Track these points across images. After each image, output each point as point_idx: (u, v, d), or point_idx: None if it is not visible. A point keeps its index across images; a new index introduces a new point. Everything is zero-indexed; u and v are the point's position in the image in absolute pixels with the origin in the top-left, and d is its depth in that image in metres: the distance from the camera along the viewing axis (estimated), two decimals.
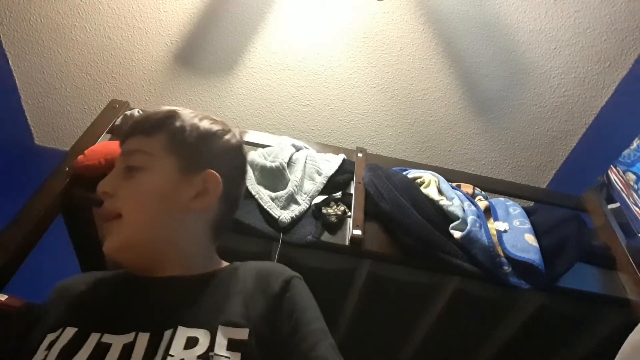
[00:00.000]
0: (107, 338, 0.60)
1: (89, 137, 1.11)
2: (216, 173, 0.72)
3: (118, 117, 1.18)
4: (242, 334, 0.61)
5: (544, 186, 1.90)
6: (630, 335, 0.85)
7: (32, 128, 1.88)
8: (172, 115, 0.75)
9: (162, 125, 0.73)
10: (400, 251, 1.04)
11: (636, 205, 1.20)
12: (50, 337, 0.62)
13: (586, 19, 1.49)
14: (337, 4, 1.54)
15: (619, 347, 0.85)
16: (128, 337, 0.59)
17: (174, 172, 0.70)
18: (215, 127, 0.76)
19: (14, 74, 1.73)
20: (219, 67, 1.69)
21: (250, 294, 0.67)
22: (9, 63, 1.70)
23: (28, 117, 1.85)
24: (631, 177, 1.24)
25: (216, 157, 0.74)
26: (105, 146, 1.04)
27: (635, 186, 1.21)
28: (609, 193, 1.31)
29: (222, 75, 1.71)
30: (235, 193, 0.79)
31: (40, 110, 1.82)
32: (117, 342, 0.59)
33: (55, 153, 1.92)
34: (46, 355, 0.58)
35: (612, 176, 1.31)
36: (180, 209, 0.70)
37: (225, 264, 0.76)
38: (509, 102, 1.71)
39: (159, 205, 0.69)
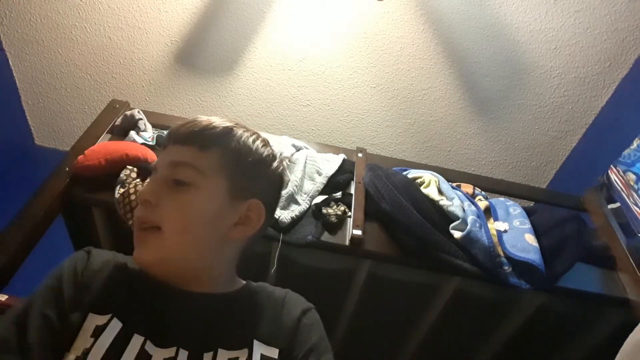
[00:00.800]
0: (149, 347, 0.60)
1: (89, 137, 1.11)
2: (261, 204, 0.71)
3: (118, 117, 1.18)
4: (274, 352, 0.65)
5: (544, 186, 1.90)
6: (631, 335, 0.85)
7: (32, 128, 1.88)
8: (229, 133, 0.70)
9: (218, 142, 0.69)
10: (400, 251, 1.04)
11: (636, 205, 1.20)
12: (95, 319, 0.61)
13: (586, 19, 1.49)
14: (337, 4, 1.54)
15: (619, 347, 0.85)
16: (169, 352, 0.61)
17: (223, 195, 0.67)
18: (265, 152, 0.73)
19: (14, 74, 1.73)
20: (219, 67, 1.69)
21: (273, 317, 0.69)
22: (9, 63, 1.70)
23: (28, 117, 1.85)
24: (631, 177, 1.24)
25: (262, 186, 0.73)
26: (106, 146, 1.04)
27: (636, 186, 1.21)
28: (609, 193, 1.31)
29: (222, 75, 1.71)
30: (270, 221, 0.79)
31: (40, 110, 1.82)
32: (158, 354, 0.60)
33: (55, 153, 1.92)
34: (92, 345, 0.58)
35: (612, 176, 1.31)
36: (221, 234, 0.68)
37: (241, 282, 0.76)
38: (509, 102, 1.71)
39: (201, 227, 0.67)
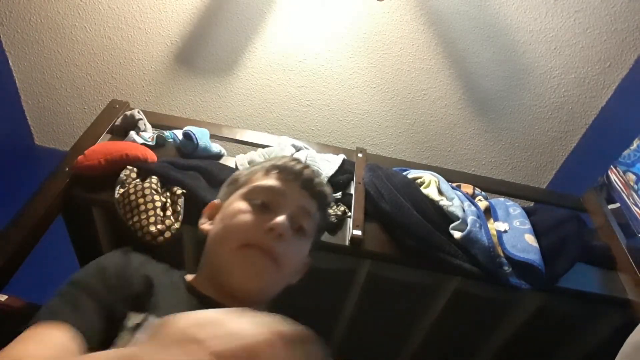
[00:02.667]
0: None
1: (89, 137, 1.11)
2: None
3: (118, 117, 1.18)
4: None
5: (544, 186, 1.90)
6: (631, 336, 0.85)
7: (32, 128, 1.88)
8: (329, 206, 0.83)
9: (325, 210, 0.81)
10: (400, 251, 1.04)
11: (636, 205, 1.20)
12: (133, 318, 0.62)
13: (586, 19, 1.49)
14: (337, 4, 1.54)
15: (619, 348, 0.85)
16: None
17: (309, 250, 0.77)
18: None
19: (14, 74, 1.73)
20: (219, 67, 1.69)
21: None
22: (9, 63, 1.70)
23: (28, 117, 1.85)
24: (631, 177, 1.24)
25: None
26: (105, 146, 1.04)
27: (636, 186, 1.21)
28: (609, 193, 1.31)
29: (222, 75, 1.71)
30: None
31: (40, 110, 1.82)
32: None
33: (55, 153, 1.92)
34: (128, 340, 0.59)
35: (612, 176, 1.31)
36: (289, 280, 0.76)
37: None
38: (509, 102, 1.71)
39: (293, 272, 0.75)
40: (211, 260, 0.73)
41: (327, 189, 0.81)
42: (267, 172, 0.77)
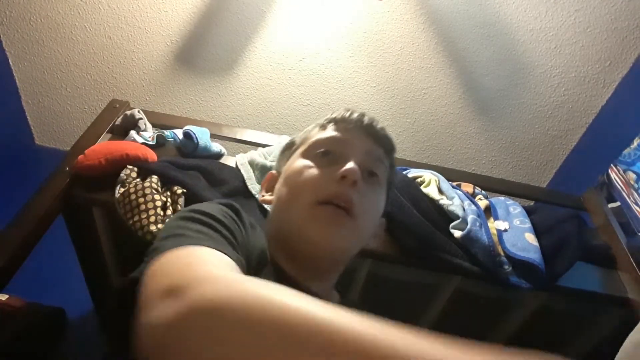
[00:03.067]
0: None
1: (89, 137, 1.11)
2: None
3: (118, 117, 1.18)
4: None
5: (544, 185, 1.90)
6: (631, 334, 0.85)
7: (32, 128, 1.88)
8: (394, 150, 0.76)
9: (392, 157, 0.74)
10: (400, 251, 1.04)
11: (636, 204, 1.20)
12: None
13: (586, 18, 1.49)
14: (337, 3, 1.54)
15: (620, 346, 0.85)
16: None
17: (383, 203, 0.71)
18: None
19: (14, 74, 1.73)
20: (219, 66, 1.69)
21: None
22: (9, 63, 1.70)
23: (28, 117, 1.85)
24: (631, 176, 1.24)
25: None
26: (106, 146, 1.04)
27: (636, 185, 1.21)
28: (609, 192, 1.31)
29: (222, 74, 1.71)
30: None
31: (40, 110, 1.82)
32: None
33: (55, 153, 1.92)
34: None
35: (613, 175, 1.31)
36: (367, 240, 0.70)
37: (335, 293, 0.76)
38: (509, 102, 1.71)
39: (374, 226, 0.69)
40: (279, 229, 0.67)
41: (392, 142, 0.74)
42: (324, 126, 0.71)
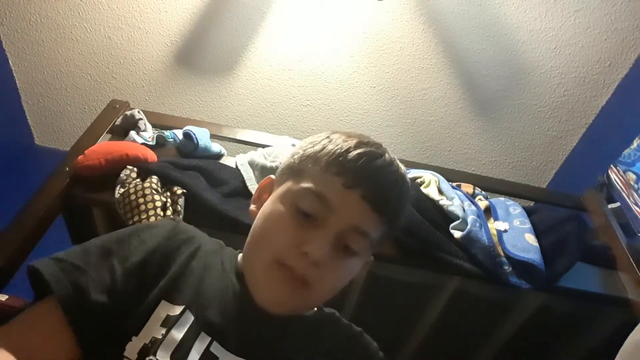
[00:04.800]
0: (216, 349, 0.57)
1: (89, 137, 1.11)
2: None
3: (118, 117, 1.18)
4: None
5: (544, 186, 1.90)
6: (631, 335, 0.85)
7: (32, 128, 1.88)
8: (410, 203, 0.69)
9: (400, 216, 0.65)
10: (400, 251, 1.04)
11: (636, 204, 1.20)
12: (167, 308, 0.58)
13: (586, 18, 1.49)
14: (337, 3, 1.54)
15: (620, 347, 0.85)
16: None
17: (367, 258, 0.66)
18: None
19: (14, 74, 1.73)
20: (219, 67, 1.69)
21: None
22: (9, 63, 1.70)
23: (28, 117, 1.85)
24: (631, 176, 1.24)
25: None
26: (106, 146, 1.04)
27: (636, 186, 1.21)
28: (609, 193, 1.31)
29: (222, 75, 1.71)
30: None
31: (40, 110, 1.82)
32: (226, 359, 0.57)
33: (55, 153, 1.92)
34: (164, 336, 0.55)
35: (613, 176, 1.31)
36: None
37: None
38: (509, 102, 1.71)
39: (333, 293, 0.64)
40: (245, 259, 0.66)
41: (402, 199, 0.63)
42: (325, 167, 0.60)
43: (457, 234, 1.04)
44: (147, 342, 0.55)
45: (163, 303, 0.58)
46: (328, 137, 0.64)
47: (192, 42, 1.64)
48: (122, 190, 0.96)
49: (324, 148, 0.62)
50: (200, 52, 1.66)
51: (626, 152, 1.27)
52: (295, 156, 0.65)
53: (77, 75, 1.73)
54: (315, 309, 0.71)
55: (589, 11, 1.48)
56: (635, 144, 1.25)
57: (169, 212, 0.93)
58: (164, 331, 0.55)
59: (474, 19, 1.53)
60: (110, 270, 0.58)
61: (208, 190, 0.99)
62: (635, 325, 0.86)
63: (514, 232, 1.09)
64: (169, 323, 0.56)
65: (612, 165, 1.31)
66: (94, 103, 1.79)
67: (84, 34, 1.63)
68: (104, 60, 1.69)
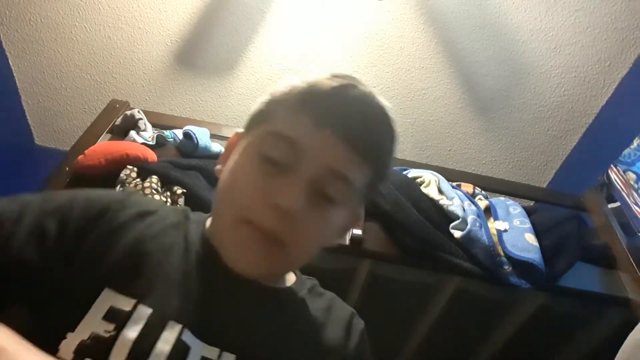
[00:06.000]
0: (188, 338, 0.49)
1: (89, 137, 1.11)
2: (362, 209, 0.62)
3: (118, 117, 1.18)
4: None
5: (544, 185, 1.90)
6: (631, 335, 0.85)
7: (32, 128, 1.88)
8: (395, 145, 0.57)
9: (384, 158, 0.56)
10: (400, 251, 1.04)
11: (636, 204, 1.20)
12: (111, 298, 0.49)
13: (586, 18, 1.49)
14: (337, 3, 1.53)
15: (620, 346, 0.85)
16: (211, 352, 0.50)
17: (352, 211, 0.57)
18: None
19: (14, 74, 1.73)
20: (219, 66, 1.69)
21: (336, 335, 0.61)
22: (9, 63, 1.70)
23: (28, 117, 1.85)
24: (631, 176, 1.24)
25: None
26: (106, 146, 1.04)
27: (636, 185, 1.21)
28: (609, 192, 1.31)
29: (222, 74, 1.71)
30: None
31: (40, 110, 1.82)
32: (198, 348, 0.50)
33: (55, 153, 1.92)
34: (112, 337, 0.46)
35: (613, 175, 1.31)
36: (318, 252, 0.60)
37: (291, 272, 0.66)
38: (509, 102, 1.71)
39: (323, 245, 0.57)
40: (212, 223, 0.59)
41: (385, 134, 0.54)
42: (292, 106, 0.52)
43: (457, 233, 1.04)
44: (85, 339, 0.46)
45: (107, 292, 0.49)
46: (300, 77, 0.56)
47: (192, 42, 1.64)
48: (122, 190, 0.96)
49: (292, 87, 0.54)
50: (200, 52, 1.66)
51: (626, 152, 1.27)
52: (263, 102, 0.57)
53: (77, 75, 1.73)
54: (294, 280, 0.64)
55: (589, 11, 1.48)
56: (635, 143, 1.25)
57: None
58: (110, 328, 0.47)
59: (474, 18, 1.53)
60: (40, 229, 0.50)
61: (208, 190, 0.99)
62: (635, 325, 0.86)
63: (514, 231, 1.09)
64: (117, 319, 0.48)
65: (612, 165, 1.31)
66: (94, 103, 1.79)
67: (84, 34, 1.63)
68: (104, 60, 1.69)
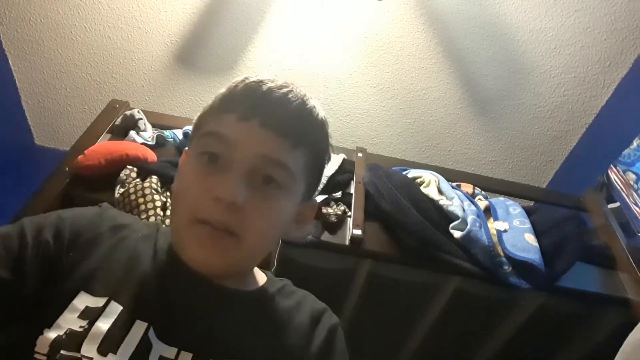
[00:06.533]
0: (151, 335, 0.53)
1: (89, 137, 1.11)
2: (317, 202, 0.65)
3: (118, 117, 1.18)
4: None
5: (544, 186, 1.90)
6: (630, 335, 0.85)
7: (32, 128, 1.88)
8: (323, 126, 0.60)
9: (313, 140, 0.58)
10: (400, 251, 1.04)
11: (636, 204, 1.20)
12: (86, 299, 0.53)
13: (586, 18, 1.49)
14: (337, 3, 1.54)
15: (619, 347, 0.85)
16: (170, 351, 0.53)
17: (299, 198, 0.59)
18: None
19: (14, 74, 1.73)
20: (219, 66, 1.69)
21: (300, 334, 0.62)
22: (9, 63, 1.70)
23: (28, 117, 1.85)
24: (631, 176, 1.24)
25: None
26: (105, 146, 1.04)
27: (635, 186, 1.21)
28: (609, 193, 1.31)
29: (222, 75, 1.71)
30: None
31: (40, 110, 1.82)
32: (158, 347, 0.52)
33: (55, 153, 1.92)
34: (85, 330, 0.50)
35: (612, 176, 1.31)
36: (283, 234, 0.63)
37: (262, 275, 0.68)
38: (509, 102, 1.71)
39: (277, 233, 0.60)
40: (172, 230, 0.61)
41: (307, 118, 0.57)
42: (218, 108, 0.57)
43: (457, 233, 1.04)
44: (61, 334, 0.50)
45: (82, 294, 0.53)
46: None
47: (192, 42, 1.64)
48: (122, 190, 0.96)
49: (220, 94, 0.59)
50: (200, 52, 1.66)
51: (626, 152, 1.27)
52: (201, 114, 0.61)
53: (77, 75, 1.73)
54: (264, 281, 0.66)
55: (589, 11, 1.48)
56: (635, 144, 1.25)
57: (168, 212, 0.93)
58: (84, 323, 0.51)
59: (474, 18, 1.53)
60: (20, 243, 0.53)
61: None
62: (635, 325, 0.86)
63: (514, 232, 1.09)
64: (91, 315, 0.52)
65: (612, 165, 1.31)
66: (94, 103, 1.79)
67: (84, 34, 1.63)
68: (104, 60, 1.69)
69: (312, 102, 0.58)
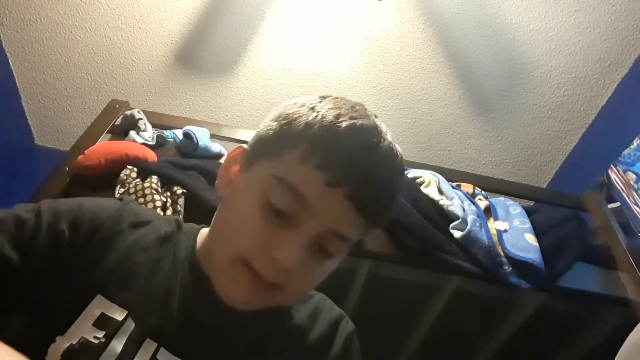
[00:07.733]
0: (162, 355, 0.51)
1: (89, 137, 1.11)
2: None
3: (118, 117, 1.18)
4: None
5: (544, 186, 1.90)
6: (631, 335, 0.85)
7: (32, 128, 1.88)
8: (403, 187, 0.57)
9: (385, 218, 0.55)
10: (400, 251, 1.04)
11: (636, 204, 1.20)
12: (103, 305, 0.50)
13: (586, 18, 1.49)
14: (337, 3, 1.54)
15: (619, 347, 0.85)
16: None
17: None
18: None
19: (14, 74, 1.73)
20: (219, 66, 1.69)
21: (318, 345, 0.61)
22: (9, 63, 1.70)
23: (28, 117, 1.85)
24: (631, 176, 1.24)
25: None
26: (106, 146, 1.04)
27: (636, 185, 1.21)
28: (609, 193, 1.31)
29: (222, 74, 1.71)
30: None
31: (40, 110, 1.82)
32: None
33: (55, 153, 1.92)
34: (100, 345, 0.48)
35: (613, 176, 1.31)
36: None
37: None
38: (509, 102, 1.71)
39: (317, 284, 0.58)
40: (207, 246, 0.59)
41: (394, 198, 0.53)
42: (305, 156, 0.48)
43: (457, 233, 1.04)
44: (74, 343, 0.47)
45: (99, 298, 0.50)
46: (312, 107, 0.51)
47: (192, 42, 1.64)
48: (122, 190, 0.96)
49: (305, 125, 0.49)
50: (200, 52, 1.66)
51: (626, 152, 1.27)
52: (271, 129, 0.53)
53: (77, 75, 1.73)
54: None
55: (589, 11, 1.48)
56: (635, 143, 1.25)
57: (169, 212, 0.93)
58: (99, 335, 0.48)
59: (474, 18, 1.53)
60: (35, 228, 0.50)
61: (208, 190, 0.99)
62: (635, 325, 0.86)
63: (514, 232, 1.09)
64: (108, 328, 0.49)
65: (612, 165, 1.31)
66: (94, 103, 1.79)
67: (84, 34, 1.63)
68: (104, 60, 1.69)
69: (402, 167, 0.55)
